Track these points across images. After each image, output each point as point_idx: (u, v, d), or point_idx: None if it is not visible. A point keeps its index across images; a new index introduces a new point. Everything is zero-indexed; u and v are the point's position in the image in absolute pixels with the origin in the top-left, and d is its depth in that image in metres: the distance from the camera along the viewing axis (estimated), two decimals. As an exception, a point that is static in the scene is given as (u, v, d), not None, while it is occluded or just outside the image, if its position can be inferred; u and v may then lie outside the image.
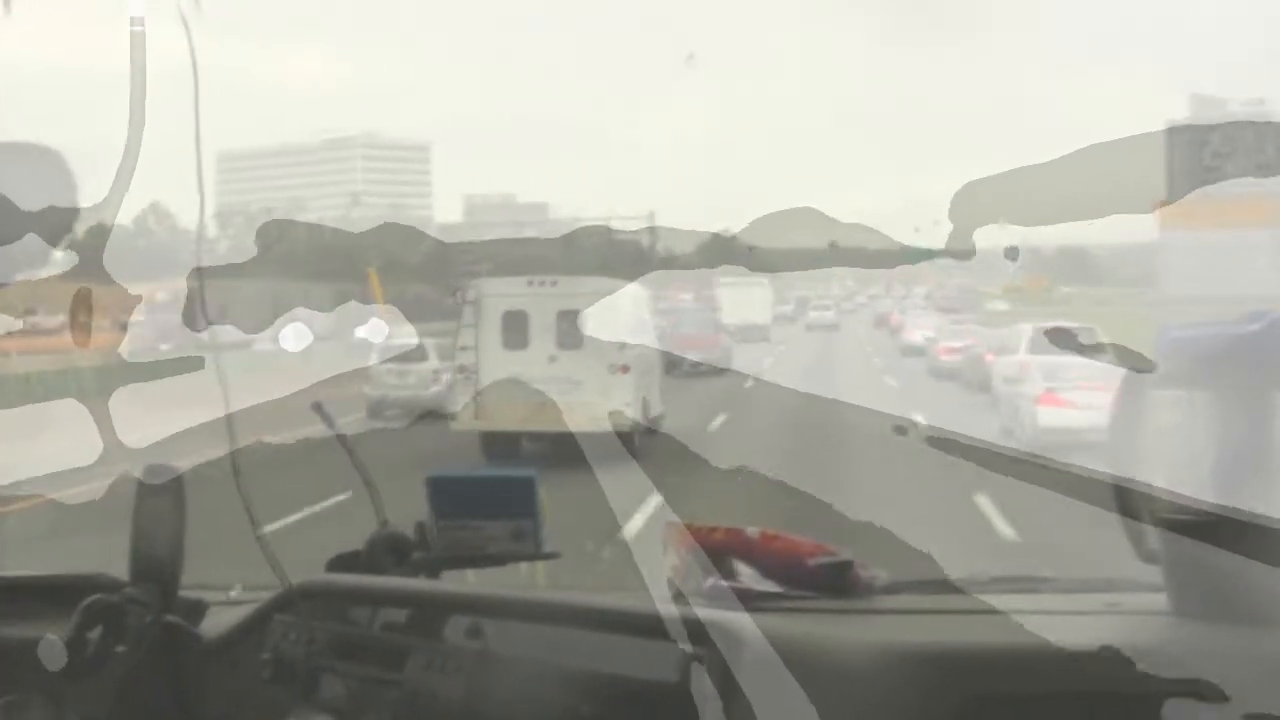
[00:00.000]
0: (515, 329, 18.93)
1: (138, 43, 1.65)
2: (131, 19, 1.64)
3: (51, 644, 2.25)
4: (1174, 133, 41.94)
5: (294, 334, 24.02)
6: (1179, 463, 2.05)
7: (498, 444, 17.73)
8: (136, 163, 1.70)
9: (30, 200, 1.62)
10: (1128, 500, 2.07)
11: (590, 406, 17.81)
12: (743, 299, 41.51)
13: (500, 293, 19.37)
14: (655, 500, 9.25)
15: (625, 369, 18.49)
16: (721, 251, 46.06)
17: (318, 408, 2.81)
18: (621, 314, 19.11)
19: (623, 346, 18.59)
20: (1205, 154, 41.53)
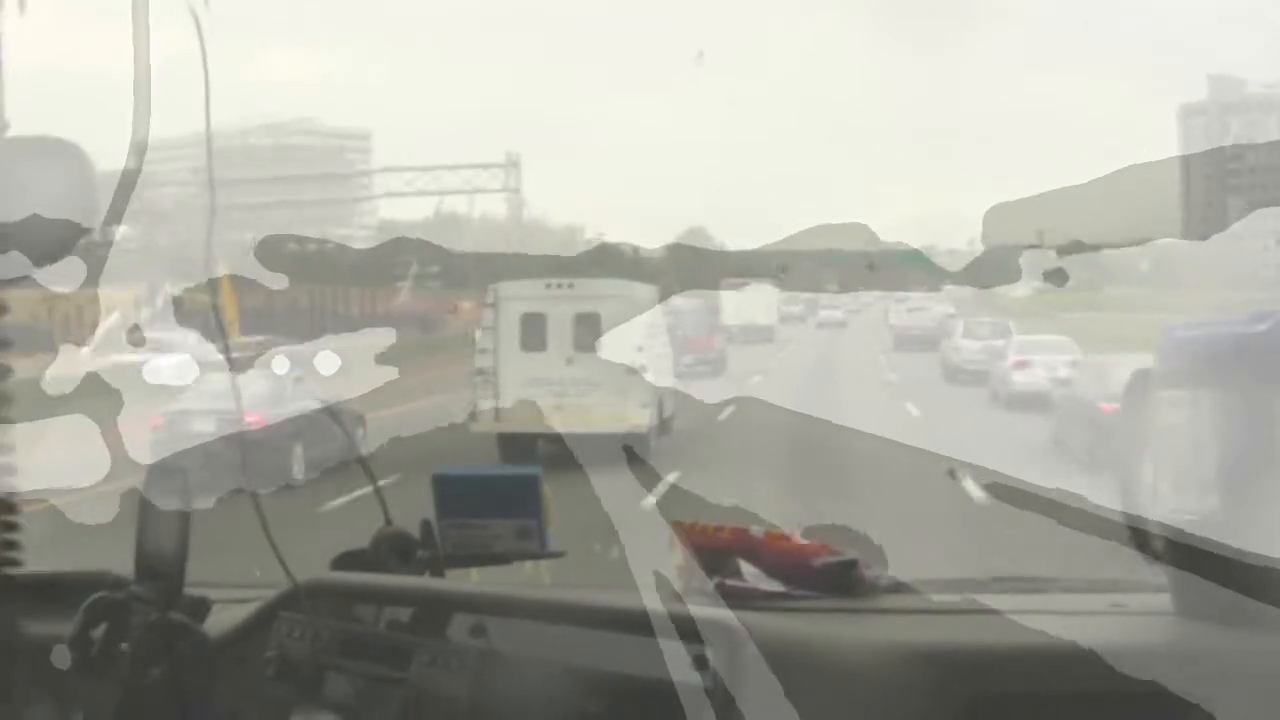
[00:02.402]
0: (533, 331, 19.06)
1: (140, 42, 1.65)
2: (135, 18, 1.64)
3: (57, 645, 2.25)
4: (1189, 114, 40.70)
5: (174, 366, 20.25)
6: (1184, 462, 2.04)
7: (514, 445, 17.82)
8: (142, 163, 1.70)
9: (51, 198, 1.61)
10: (1133, 499, 2.06)
11: (607, 407, 17.91)
12: (746, 300, 41.09)
13: (518, 295, 19.51)
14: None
15: (642, 370, 18.62)
16: (748, 268, 45.26)
17: (328, 410, 2.81)
18: (638, 316, 19.24)
19: (639, 348, 18.70)
20: (1227, 141, 40.26)
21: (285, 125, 61.11)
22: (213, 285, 2.57)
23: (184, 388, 16.81)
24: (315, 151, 61.97)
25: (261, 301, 31.69)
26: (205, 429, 13.50)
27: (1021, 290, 42.70)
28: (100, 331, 23.04)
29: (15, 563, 1.84)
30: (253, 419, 14.27)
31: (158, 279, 33.13)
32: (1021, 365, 24.59)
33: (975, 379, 27.28)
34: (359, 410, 17.58)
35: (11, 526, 1.82)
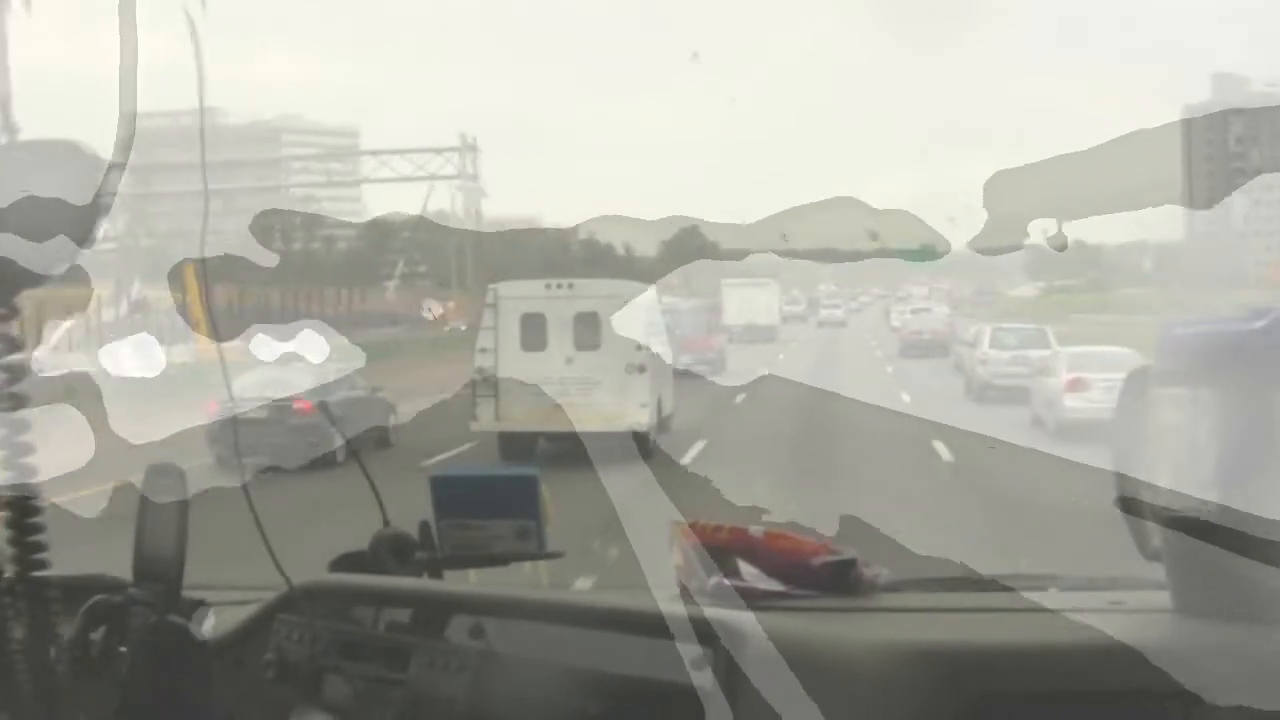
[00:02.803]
0: (533, 331, 19.18)
1: (128, 40, 1.64)
2: (121, 18, 1.63)
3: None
4: (1192, 113, 40.39)
5: (134, 354, 20.55)
6: (1182, 460, 2.03)
7: (514, 444, 17.91)
8: (126, 162, 1.69)
9: (60, 197, 1.61)
10: (1131, 497, 2.05)
11: (607, 406, 18.02)
12: (749, 300, 41.43)
13: (518, 296, 19.62)
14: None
15: (642, 369, 18.71)
16: (746, 267, 45.33)
17: (322, 407, 2.81)
18: (637, 316, 19.30)
19: (639, 347, 18.79)
20: (1229, 138, 39.97)
21: (269, 122, 61.25)
22: (206, 281, 2.54)
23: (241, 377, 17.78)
24: (307, 152, 62.07)
25: (230, 299, 31.81)
26: (259, 415, 15.67)
27: (1026, 290, 42.37)
28: (59, 332, 22.93)
29: (42, 565, 1.83)
30: (301, 405, 16.42)
31: (127, 278, 32.74)
32: (1076, 385, 19.68)
33: (1007, 397, 23.28)
34: (391, 400, 20.11)
35: (35, 529, 1.81)
